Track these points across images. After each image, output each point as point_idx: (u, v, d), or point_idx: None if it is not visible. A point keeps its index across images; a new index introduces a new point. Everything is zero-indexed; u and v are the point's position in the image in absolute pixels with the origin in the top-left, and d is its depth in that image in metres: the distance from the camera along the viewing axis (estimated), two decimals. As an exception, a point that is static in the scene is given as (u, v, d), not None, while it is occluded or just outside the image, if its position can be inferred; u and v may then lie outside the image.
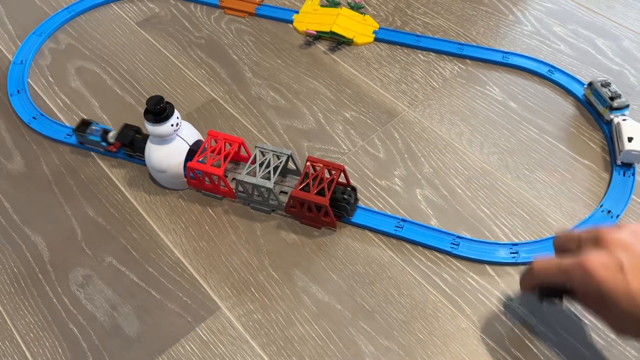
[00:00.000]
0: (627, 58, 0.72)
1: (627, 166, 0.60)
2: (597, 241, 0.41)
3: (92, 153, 0.65)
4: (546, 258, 0.45)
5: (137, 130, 0.62)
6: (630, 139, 0.59)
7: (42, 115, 0.69)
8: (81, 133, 0.63)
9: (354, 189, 0.57)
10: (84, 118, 0.65)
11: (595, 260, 0.40)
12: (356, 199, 0.58)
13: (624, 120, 0.61)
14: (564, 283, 0.43)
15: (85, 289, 0.54)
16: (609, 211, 0.57)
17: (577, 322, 0.50)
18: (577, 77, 0.69)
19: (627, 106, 0.63)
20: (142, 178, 0.63)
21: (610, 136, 0.63)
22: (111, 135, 0.63)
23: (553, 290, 0.46)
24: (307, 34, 0.76)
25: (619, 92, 0.63)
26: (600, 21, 0.77)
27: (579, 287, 0.42)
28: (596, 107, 0.65)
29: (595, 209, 0.58)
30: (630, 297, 0.38)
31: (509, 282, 0.53)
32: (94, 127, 0.63)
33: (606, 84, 0.63)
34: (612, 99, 0.62)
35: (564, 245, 0.46)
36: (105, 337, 0.51)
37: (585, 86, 0.67)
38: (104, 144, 0.63)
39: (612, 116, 0.63)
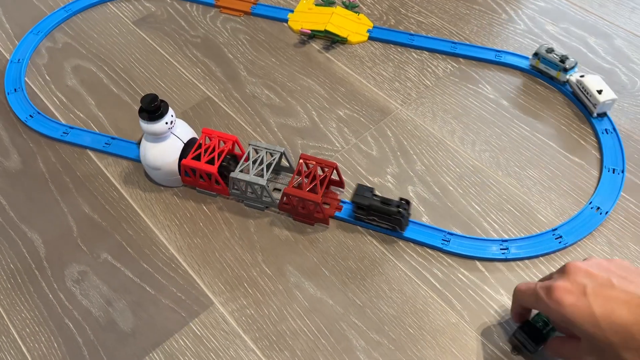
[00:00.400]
0: (619, 56, 0.73)
1: (602, 116, 0.65)
2: (563, 270, 0.43)
3: (88, 151, 0.66)
4: (528, 283, 0.46)
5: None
6: (600, 92, 0.63)
7: (39, 113, 0.69)
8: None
9: (407, 202, 0.55)
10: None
11: (560, 285, 0.42)
12: (409, 213, 0.56)
13: (581, 76, 0.65)
14: (534, 307, 0.45)
15: (80, 285, 0.55)
16: (598, 207, 0.58)
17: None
18: (569, 75, 0.70)
19: (576, 64, 0.67)
20: (138, 175, 0.64)
21: (573, 94, 0.68)
22: None
23: (528, 336, 0.47)
24: (302, 33, 0.77)
25: (564, 53, 0.67)
26: (592, 20, 0.78)
27: (545, 313, 0.44)
28: (548, 73, 0.69)
29: (585, 205, 0.58)
30: (594, 320, 0.39)
31: (499, 278, 0.54)
32: None
33: (551, 50, 0.67)
34: (562, 61, 0.66)
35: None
36: (101, 332, 0.52)
37: (531, 57, 0.70)
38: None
39: (567, 76, 0.67)
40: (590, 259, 0.44)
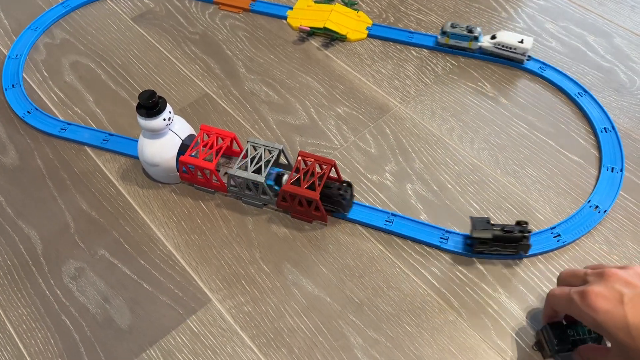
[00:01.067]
0: (618, 55, 0.73)
1: (529, 59, 0.71)
2: (601, 275, 0.43)
3: (86, 147, 0.66)
4: (561, 288, 0.46)
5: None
6: (521, 41, 0.69)
7: (37, 109, 0.69)
8: None
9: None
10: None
11: (596, 290, 0.41)
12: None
13: (493, 37, 0.71)
14: (568, 313, 0.45)
15: (77, 282, 0.55)
16: (597, 206, 0.58)
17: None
18: (569, 74, 0.70)
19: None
20: (135, 172, 0.63)
21: (493, 55, 0.72)
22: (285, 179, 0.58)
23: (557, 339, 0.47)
24: (301, 30, 0.77)
25: (467, 25, 0.72)
26: (592, 18, 0.78)
27: (578, 317, 0.43)
28: (458, 46, 0.73)
29: (584, 204, 0.58)
30: (627, 329, 0.39)
31: (497, 277, 0.54)
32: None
33: (455, 25, 0.72)
34: (470, 31, 0.71)
35: (567, 281, 0.46)
36: (98, 328, 0.52)
37: (439, 36, 0.73)
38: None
39: (479, 43, 0.72)
40: (629, 267, 0.43)
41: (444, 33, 0.72)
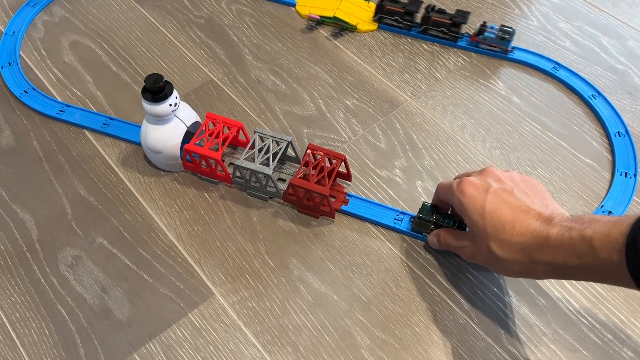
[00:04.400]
0: (632, 58, 0.72)
1: None
2: (482, 171, 0.49)
3: (85, 130, 0.63)
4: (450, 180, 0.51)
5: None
6: None
7: (34, 89, 0.66)
8: None
9: None
10: None
11: (471, 180, 0.47)
12: None
13: None
14: (447, 200, 0.50)
15: (74, 270, 0.53)
16: (610, 212, 0.57)
17: (575, 320, 0.50)
18: (582, 75, 0.69)
19: None
20: (136, 158, 0.61)
21: None
22: None
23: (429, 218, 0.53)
24: (310, 18, 0.75)
25: None
26: (606, 19, 0.77)
27: (450, 200, 0.49)
28: None
29: (597, 208, 0.57)
30: (482, 212, 0.45)
31: (509, 280, 0.53)
32: None
33: None
34: None
35: (458, 177, 0.52)
36: (95, 319, 0.50)
37: None
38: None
39: None
40: (510, 170, 0.49)
41: None
